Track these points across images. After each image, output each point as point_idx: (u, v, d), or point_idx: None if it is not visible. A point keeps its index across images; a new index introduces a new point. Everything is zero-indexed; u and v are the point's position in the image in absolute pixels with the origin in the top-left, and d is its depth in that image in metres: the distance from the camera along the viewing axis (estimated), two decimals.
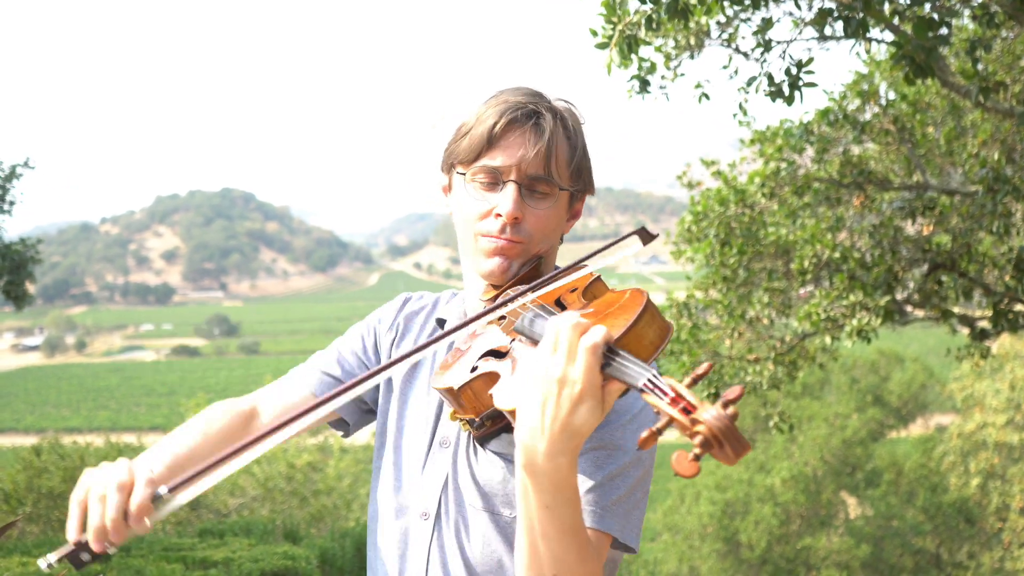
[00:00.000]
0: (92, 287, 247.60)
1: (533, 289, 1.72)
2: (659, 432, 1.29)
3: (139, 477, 1.54)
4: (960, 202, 8.34)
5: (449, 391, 1.72)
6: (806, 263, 8.40)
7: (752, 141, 9.14)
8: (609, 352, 1.38)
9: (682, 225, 9.60)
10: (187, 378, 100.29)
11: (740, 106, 6.92)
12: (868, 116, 8.96)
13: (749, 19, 6.44)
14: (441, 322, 2.09)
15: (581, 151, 1.91)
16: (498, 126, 1.83)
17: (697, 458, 1.24)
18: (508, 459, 1.81)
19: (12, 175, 11.24)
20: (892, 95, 9.02)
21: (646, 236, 1.79)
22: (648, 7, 3.90)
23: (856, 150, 8.95)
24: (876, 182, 8.63)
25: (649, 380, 1.33)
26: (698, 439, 1.25)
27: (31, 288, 11.48)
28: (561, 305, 1.76)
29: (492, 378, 1.67)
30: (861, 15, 3.85)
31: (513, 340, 1.71)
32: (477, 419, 1.74)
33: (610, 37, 4.11)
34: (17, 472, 15.43)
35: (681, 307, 9.54)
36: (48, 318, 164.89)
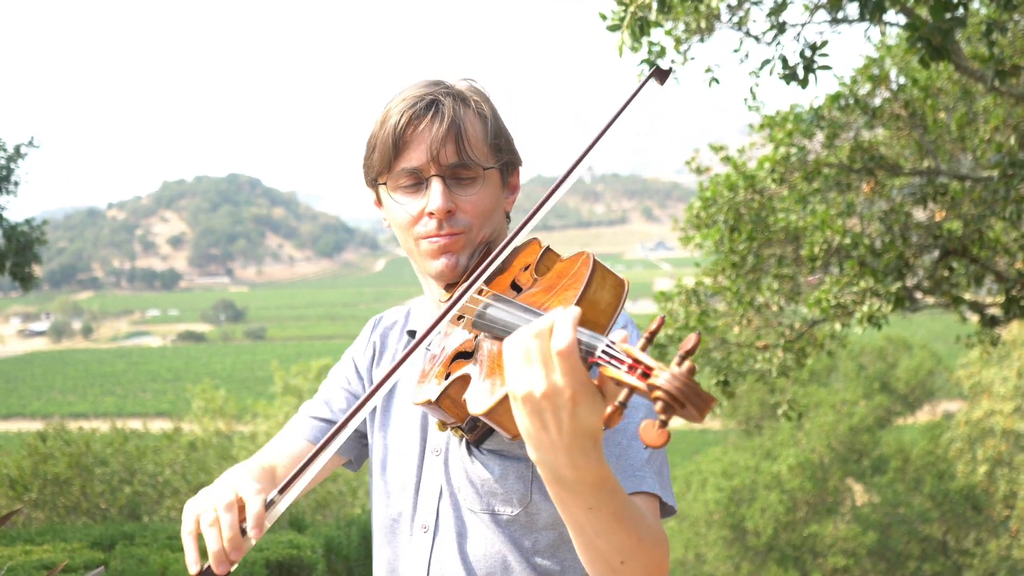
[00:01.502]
0: (98, 272, 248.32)
1: (477, 278, 1.66)
2: (623, 405, 1.21)
3: (245, 491, 1.57)
4: (972, 188, 8.26)
5: (428, 404, 1.66)
6: (816, 249, 8.34)
7: (762, 126, 9.05)
8: (584, 340, 1.31)
9: (691, 211, 9.53)
10: (193, 364, 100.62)
11: (751, 90, 6.85)
12: (879, 101, 8.88)
13: (760, 1, 6.36)
14: (412, 333, 2.05)
15: (494, 125, 1.85)
16: (400, 126, 1.79)
17: (664, 424, 1.17)
18: (504, 455, 1.76)
19: (17, 155, 11.22)
20: (903, 79, 8.94)
21: (661, 74, 1.67)
22: None
23: (867, 135, 8.87)
24: (887, 168, 8.55)
25: (605, 349, 1.27)
26: (659, 404, 1.18)
27: (38, 270, 11.48)
28: (516, 287, 1.72)
29: (465, 381, 1.61)
30: None
31: (476, 336, 1.66)
32: (465, 424, 1.68)
33: (622, 19, 4.04)
34: (23, 458, 15.45)
35: (690, 293, 9.48)
36: (54, 303, 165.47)
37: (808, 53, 4.53)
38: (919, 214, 9.03)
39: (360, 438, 2.10)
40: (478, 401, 1.48)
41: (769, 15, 4.89)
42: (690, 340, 1.19)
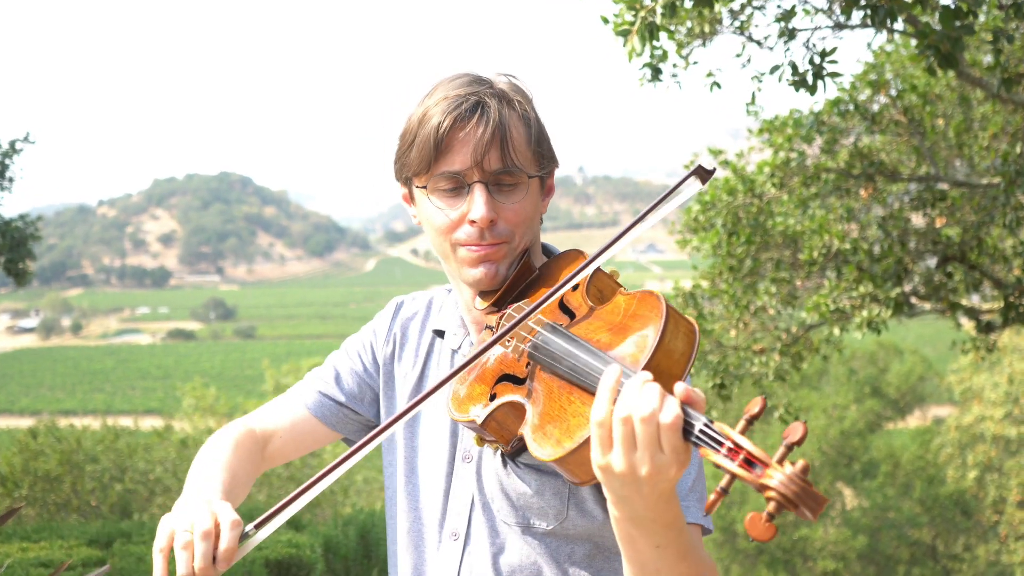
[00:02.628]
0: (88, 269, 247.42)
1: (533, 311, 1.58)
2: (724, 491, 1.20)
3: (223, 520, 1.51)
4: (971, 194, 8.29)
5: (471, 424, 1.63)
6: (815, 254, 8.35)
7: (761, 130, 9.06)
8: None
9: (688, 214, 9.54)
10: (183, 362, 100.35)
11: (752, 95, 6.85)
12: (876, 107, 8.91)
13: (763, 7, 6.37)
14: (440, 333, 1.98)
15: (536, 128, 1.78)
16: (443, 127, 1.70)
17: (772, 518, 1.17)
18: (541, 471, 1.73)
19: (12, 150, 11.18)
20: (901, 86, 8.96)
21: (704, 174, 1.63)
22: None
23: (866, 141, 8.90)
24: (886, 173, 8.58)
25: (701, 431, 1.24)
26: (771, 504, 1.17)
27: (31, 266, 11.44)
28: (566, 310, 1.66)
29: (516, 409, 1.57)
30: (888, 4, 3.77)
31: (528, 364, 1.61)
32: (507, 445, 1.65)
33: (632, 23, 4.03)
34: (13, 455, 15.40)
35: (687, 297, 9.48)
36: (44, 300, 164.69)
37: (817, 60, 4.53)
38: (917, 220, 9.05)
39: (367, 424, 2.02)
40: (544, 449, 1.45)
41: (778, 20, 4.89)
42: (797, 431, 1.18)
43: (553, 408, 1.48)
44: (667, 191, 1.65)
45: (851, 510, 24.93)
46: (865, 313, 7.86)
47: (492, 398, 1.61)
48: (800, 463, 1.17)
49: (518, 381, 1.61)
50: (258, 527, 1.56)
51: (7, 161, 11.16)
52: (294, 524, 7.31)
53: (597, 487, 1.72)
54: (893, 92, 8.86)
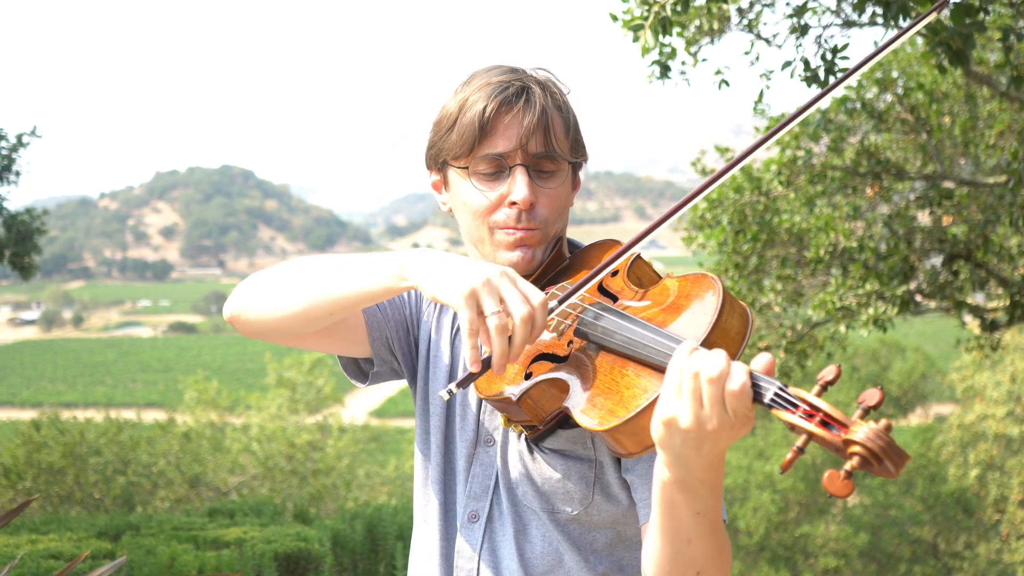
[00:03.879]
0: (90, 262, 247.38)
1: (588, 281, 1.61)
2: (801, 451, 1.22)
3: (535, 300, 1.51)
4: (978, 192, 8.29)
5: (505, 401, 1.64)
6: (821, 251, 8.36)
7: (767, 128, 9.06)
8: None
9: (694, 211, 9.54)
10: (184, 354, 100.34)
11: (760, 93, 6.85)
12: (882, 105, 8.91)
13: (773, 4, 6.37)
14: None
15: (573, 119, 1.83)
16: (488, 111, 1.73)
17: (850, 475, 1.18)
18: (567, 455, 1.74)
19: (19, 144, 11.19)
20: (908, 84, 8.96)
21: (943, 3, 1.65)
22: None
23: (875, 138, 8.90)
24: (892, 171, 8.58)
25: (776, 394, 1.26)
26: (855, 459, 1.18)
27: (37, 260, 11.45)
28: (607, 293, 1.68)
29: (556, 385, 1.58)
30: (900, 1, 3.77)
31: (570, 343, 1.63)
32: (539, 425, 1.66)
33: (645, 18, 4.03)
34: (17, 447, 15.42)
35: None
36: (45, 292, 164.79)
37: (829, 56, 4.54)
38: (923, 218, 9.06)
39: (391, 359, 1.98)
40: (592, 417, 1.46)
41: (790, 16, 4.90)
42: (874, 396, 1.20)
43: (604, 381, 1.50)
44: (911, 25, 1.68)
45: (852, 507, 24.92)
46: (871, 311, 7.87)
47: (528, 376, 1.62)
48: (883, 421, 1.19)
49: (558, 359, 1.63)
50: (561, 302, 1.58)
51: (13, 155, 11.16)
52: (301, 517, 7.33)
53: (620, 475, 1.74)
54: (899, 90, 8.86)
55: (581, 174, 1.93)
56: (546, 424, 1.67)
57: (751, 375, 1.29)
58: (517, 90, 1.75)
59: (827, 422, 1.22)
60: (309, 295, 1.76)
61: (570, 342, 1.64)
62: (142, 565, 4.65)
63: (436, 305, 2.01)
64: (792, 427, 1.24)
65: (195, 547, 5.30)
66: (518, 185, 1.74)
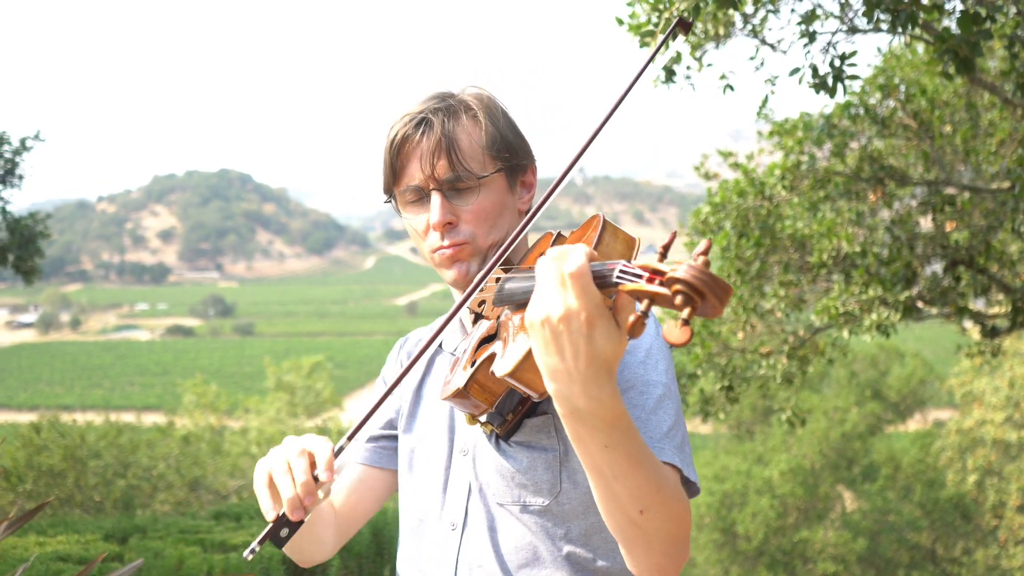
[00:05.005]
0: (88, 265, 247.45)
1: (492, 267, 1.69)
2: (645, 315, 1.23)
3: (313, 442, 1.66)
4: (980, 198, 8.32)
5: (457, 394, 1.69)
6: (824, 256, 8.38)
7: (771, 133, 9.10)
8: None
9: (697, 216, 9.56)
10: (181, 358, 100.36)
11: (765, 98, 6.88)
12: (885, 111, 8.93)
13: (777, 11, 6.39)
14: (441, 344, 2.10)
15: (492, 132, 1.89)
16: (395, 145, 1.87)
17: (686, 322, 1.18)
18: (532, 447, 1.80)
19: (23, 148, 11.22)
20: (910, 90, 8.99)
21: (685, 26, 1.73)
22: None
23: (878, 144, 8.93)
24: (895, 177, 8.60)
25: (621, 271, 1.29)
26: (679, 298, 1.18)
27: (39, 263, 11.48)
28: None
29: (492, 361, 1.64)
30: (912, 8, 3.80)
31: (498, 317, 1.72)
32: (495, 411, 1.72)
33: (656, 24, 4.06)
34: (17, 449, 15.41)
35: None
36: (43, 295, 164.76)
37: (837, 63, 4.57)
38: (925, 224, 9.08)
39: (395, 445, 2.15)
40: (503, 365, 1.52)
41: (800, 23, 4.92)
42: (702, 244, 1.21)
43: (515, 333, 1.58)
44: (653, 52, 1.72)
45: (851, 513, 24.93)
46: (874, 316, 7.89)
47: (473, 363, 1.69)
48: (702, 259, 1.19)
49: (492, 338, 1.72)
50: (349, 438, 1.68)
51: (17, 159, 11.19)
52: None
53: None
54: (902, 96, 8.89)
55: (534, 174, 2.01)
56: (501, 408, 1.73)
57: (588, 256, 1.32)
58: (417, 121, 1.87)
59: (662, 281, 1.22)
60: None
61: (497, 318, 1.73)
62: (150, 568, 4.66)
63: (403, 362, 2.17)
64: (637, 296, 1.26)
65: (203, 550, 5.31)
66: (432, 209, 1.85)
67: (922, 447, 25.39)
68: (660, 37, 1.77)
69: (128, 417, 22.19)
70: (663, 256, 1.27)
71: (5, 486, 14.45)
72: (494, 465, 1.83)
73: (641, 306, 1.25)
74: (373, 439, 2.11)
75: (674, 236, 1.27)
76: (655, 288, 1.22)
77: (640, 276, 1.25)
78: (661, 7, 4.06)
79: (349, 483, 2.09)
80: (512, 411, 1.75)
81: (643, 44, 4.79)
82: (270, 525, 1.60)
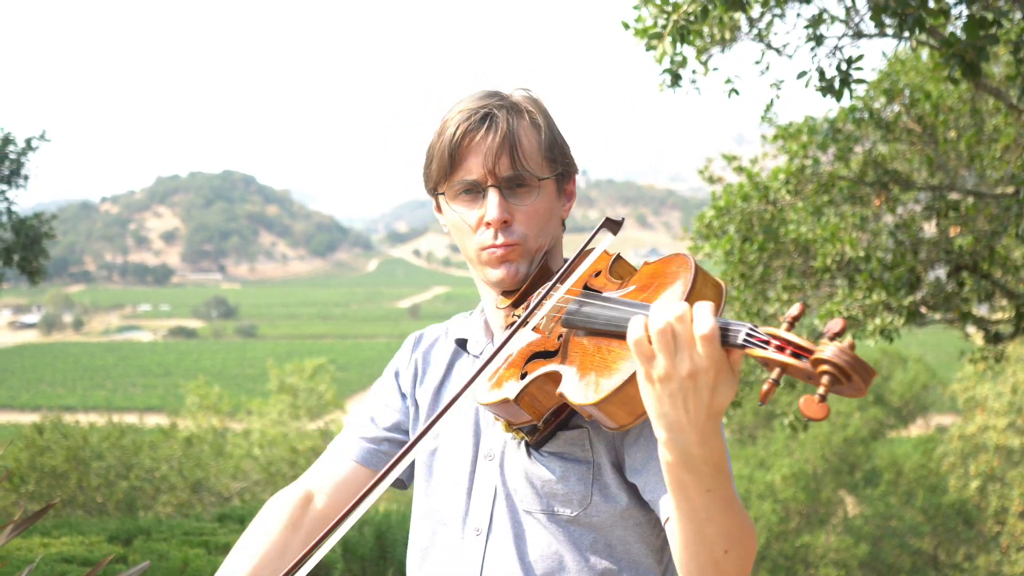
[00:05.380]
0: (91, 266, 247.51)
1: (559, 282, 1.72)
2: (776, 382, 1.27)
3: None
4: (984, 204, 8.32)
5: (504, 403, 1.70)
6: (828, 260, 8.38)
7: (776, 137, 9.10)
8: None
9: (701, 221, 9.55)
10: (184, 359, 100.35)
11: (771, 102, 6.89)
12: (889, 115, 8.94)
13: (783, 15, 6.39)
14: (462, 342, 2.06)
15: (548, 136, 1.90)
16: (456, 139, 1.84)
17: (823, 398, 1.22)
18: (565, 457, 1.79)
19: (28, 148, 11.25)
20: (915, 94, 8.99)
21: (613, 225, 1.77)
22: None
23: (882, 148, 8.93)
24: (900, 182, 8.60)
25: (748, 334, 1.32)
26: (825, 378, 1.23)
27: (45, 264, 11.52)
28: (591, 290, 1.76)
29: (551, 378, 1.65)
30: (919, 12, 3.80)
31: (560, 336, 1.71)
32: (541, 422, 1.72)
33: (664, 27, 4.06)
34: (20, 450, 15.42)
35: None
36: (46, 296, 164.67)
37: (844, 67, 4.58)
38: (929, 229, 9.08)
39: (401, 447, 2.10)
40: (585, 393, 1.54)
41: (807, 27, 4.92)
42: (836, 324, 1.26)
43: (592, 360, 1.59)
44: (578, 251, 1.80)
45: (853, 518, 24.91)
46: (878, 321, 7.89)
47: (523, 376, 1.69)
48: (848, 340, 1.24)
49: (550, 354, 1.71)
50: (411, 446, 1.69)
51: (22, 159, 11.22)
52: None
53: (621, 473, 1.79)
54: (906, 100, 8.89)
55: (575, 184, 2.02)
56: (547, 423, 1.74)
57: (721, 320, 1.35)
58: (482, 116, 1.85)
59: (798, 353, 1.27)
60: None
61: (560, 336, 1.72)
62: (155, 570, 4.66)
63: (416, 373, 2.12)
64: (766, 362, 1.30)
65: (207, 552, 5.31)
66: (490, 206, 1.84)
67: (924, 452, 25.38)
68: (590, 233, 1.81)
69: (131, 418, 22.18)
70: (791, 326, 1.30)
71: (8, 487, 14.45)
72: (524, 472, 1.82)
73: (772, 374, 1.28)
74: (374, 440, 2.07)
75: (803, 309, 1.29)
76: (787, 359, 1.27)
77: (767, 343, 1.30)
78: (667, 10, 4.07)
79: (339, 479, 2.04)
80: (547, 423, 1.76)
81: (649, 47, 4.79)
82: None
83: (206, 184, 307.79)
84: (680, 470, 1.43)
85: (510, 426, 1.77)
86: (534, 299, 1.78)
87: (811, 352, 1.26)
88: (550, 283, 1.72)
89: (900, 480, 25.12)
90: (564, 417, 1.77)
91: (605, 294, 1.71)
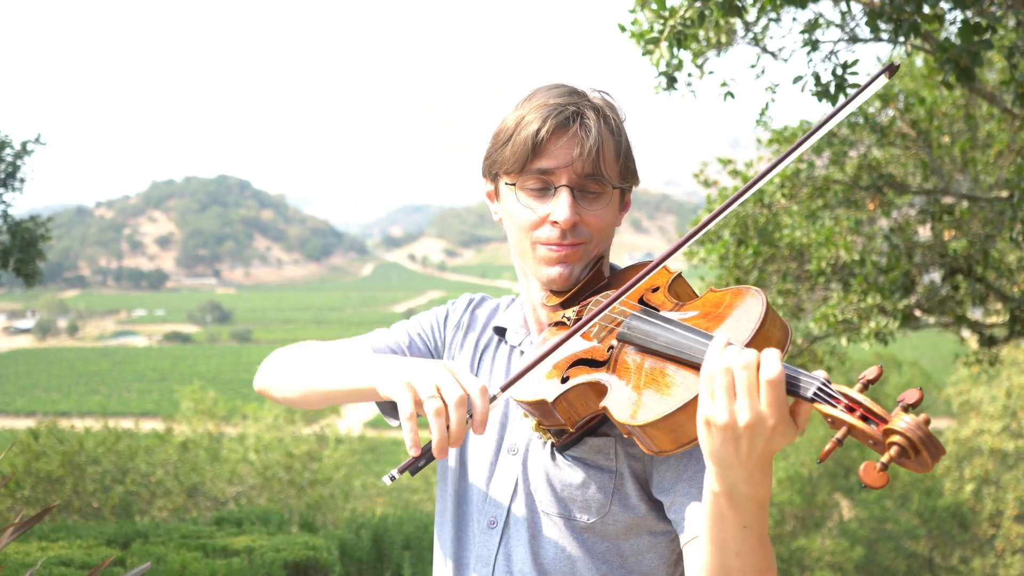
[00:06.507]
0: (85, 271, 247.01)
1: (624, 292, 1.67)
2: (839, 442, 1.26)
3: (470, 387, 1.58)
4: (978, 208, 8.35)
5: (540, 404, 1.68)
6: (823, 264, 8.40)
7: (770, 141, 9.14)
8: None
9: (696, 225, 9.57)
10: (179, 364, 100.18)
11: (766, 105, 6.91)
12: (884, 119, 8.97)
13: (779, 19, 6.42)
14: (500, 331, 2.04)
15: (626, 145, 1.87)
16: (543, 131, 1.78)
17: (885, 467, 1.22)
18: (590, 465, 1.79)
19: (24, 151, 11.23)
20: (909, 99, 9.03)
21: (892, 70, 1.69)
22: (699, 2, 3.87)
23: (877, 152, 8.97)
24: (894, 186, 8.64)
25: (819, 388, 1.31)
26: (893, 449, 1.22)
27: (41, 267, 11.49)
28: (648, 306, 1.73)
29: (596, 388, 1.63)
30: (914, 18, 3.83)
31: (611, 348, 1.67)
32: (572, 428, 1.70)
33: (661, 32, 4.08)
34: (15, 455, 15.38)
35: None
36: (40, 301, 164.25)
37: (839, 71, 4.60)
38: (923, 233, 9.11)
39: None
40: (632, 412, 1.51)
41: (803, 32, 4.95)
42: (913, 395, 1.25)
43: (645, 380, 1.55)
44: (859, 89, 1.68)
45: (848, 521, 24.92)
46: (872, 324, 7.92)
47: (564, 380, 1.66)
48: (922, 415, 1.23)
49: (597, 364, 1.67)
50: (503, 389, 1.64)
51: (18, 162, 11.19)
52: (308, 527, 7.35)
53: (642, 485, 1.77)
54: (901, 105, 8.93)
55: (631, 196, 1.99)
56: (578, 428, 1.71)
57: (787, 366, 1.34)
58: (572, 114, 1.81)
59: (867, 417, 1.27)
60: (312, 391, 1.96)
61: (611, 347, 1.68)
62: (153, 573, 4.67)
63: (460, 329, 2.10)
64: (832, 421, 1.28)
65: (204, 555, 5.32)
66: (561, 205, 1.80)
67: None
68: (870, 82, 1.73)
69: (126, 423, 22.10)
70: (865, 388, 1.29)
71: (3, 492, 14.41)
72: (546, 474, 1.82)
73: (839, 433, 1.27)
74: (397, 350, 2.05)
75: (880, 372, 1.28)
76: (856, 421, 1.26)
77: (838, 401, 1.28)
78: (664, 15, 4.09)
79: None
80: (583, 425, 1.73)
81: (645, 52, 4.81)
82: (413, 458, 1.57)
83: (201, 189, 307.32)
84: (723, 503, 1.43)
85: (540, 425, 1.77)
86: (592, 304, 1.77)
87: (884, 420, 1.25)
88: (618, 291, 1.68)
89: (895, 483, 25.13)
90: (594, 424, 1.75)
91: (664, 313, 1.67)
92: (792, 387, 1.33)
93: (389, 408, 2.07)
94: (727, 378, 1.35)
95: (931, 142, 8.87)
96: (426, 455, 1.57)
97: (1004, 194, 7.82)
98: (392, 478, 1.57)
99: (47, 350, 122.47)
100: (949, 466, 23.91)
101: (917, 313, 8.95)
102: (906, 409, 1.25)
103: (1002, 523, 21.94)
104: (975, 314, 9.96)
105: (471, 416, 1.57)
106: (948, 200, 8.80)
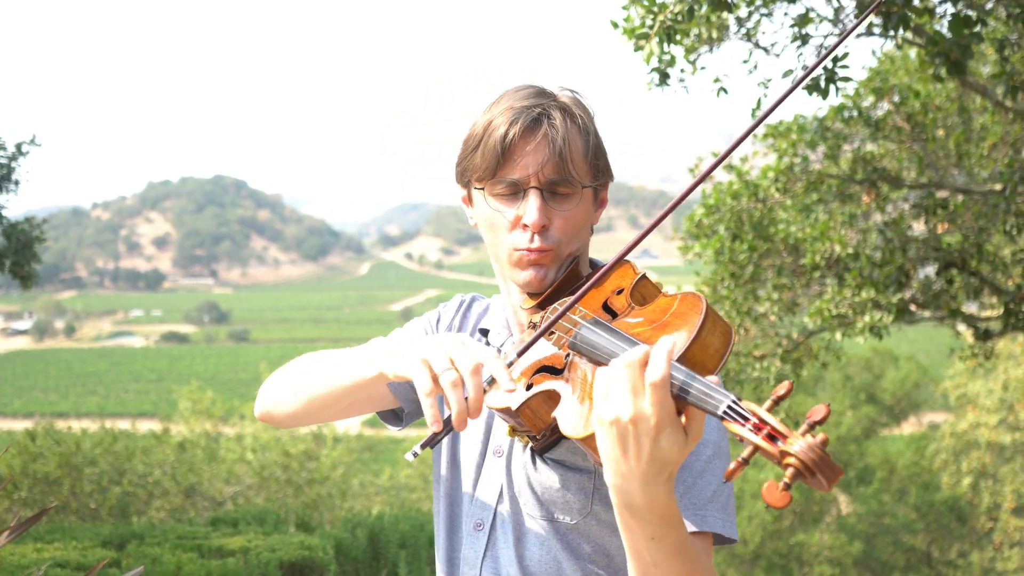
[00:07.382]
0: (82, 272, 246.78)
1: (579, 299, 1.66)
2: (746, 462, 1.25)
3: (482, 355, 1.56)
4: (972, 201, 8.36)
5: (506, 411, 1.67)
6: (818, 259, 8.41)
7: (765, 135, 9.14)
8: (682, 379, 1.35)
9: (691, 220, 9.58)
10: (176, 364, 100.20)
11: (758, 101, 6.90)
12: (879, 113, 8.98)
13: (771, 14, 6.42)
14: (484, 332, 2.05)
15: (595, 142, 1.86)
16: (509, 136, 1.77)
17: (788, 488, 1.21)
18: (568, 466, 1.80)
19: (19, 153, 11.21)
20: (903, 93, 9.03)
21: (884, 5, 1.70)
22: None
23: (871, 146, 8.97)
24: (888, 180, 8.65)
25: (729, 407, 1.30)
26: (789, 471, 1.21)
27: (36, 268, 11.47)
28: (610, 310, 1.73)
29: (551, 397, 1.63)
30: (904, 11, 3.83)
31: (568, 355, 1.68)
32: (538, 435, 1.70)
33: (650, 27, 4.08)
34: (12, 456, 15.35)
35: None
36: (37, 302, 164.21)
37: (830, 65, 4.61)
38: (917, 227, 9.13)
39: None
40: (573, 426, 1.51)
41: (793, 26, 4.95)
42: (820, 411, 1.23)
43: (589, 391, 1.55)
44: (857, 21, 1.67)
45: (847, 516, 24.96)
46: (867, 318, 7.92)
47: (529, 387, 1.67)
48: (820, 435, 1.22)
49: (556, 371, 1.68)
50: (520, 354, 1.65)
51: (13, 164, 11.18)
52: (304, 526, 7.34)
53: None
54: (896, 98, 8.94)
55: (607, 191, 1.97)
56: (545, 435, 1.70)
57: (672, 365, 1.34)
58: (537, 116, 1.80)
59: (773, 435, 1.25)
60: (314, 397, 1.94)
61: (568, 355, 1.68)
62: (149, 574, 4.67)
63: (452, 330, 2.10)
64: (741, 439, 1.28)
65: (200, 556, 5.31)
66: (530, 208, 1.79)
67: (917, 450, 25.44)
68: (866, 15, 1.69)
69: (123, 424, 22.08)
70: (775, 404, 1.27)
71: (1, 494, 14.38)
72: (527, 477, 1.84)
73: (744, 452, 1.26)
74: None
75: (790, 389, 1.26)
76: (762, 443, 1.25)
77: (747, 420, 1.27)
78: (654, 10, 4.09)
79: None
80: (552, 432, 1.72)
81: (637, 48, 4.81)
82: (433, 433, 1.57)
83: (197, 189, 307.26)
84: (626, 515, 1.44)
85: (513, 431, 1.76)
86: (548, 312, 1.78)
87: (785, 438, 1.24)
88: (571, 298, 1.68)
89: (893, 478, 25.18)
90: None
91: (611, 323, 1.66)
92: (682, 392, 1.34)
93: (390, 415, 2.10)
94: (618, 375, 1.36)
95: (925, 136, 8.88)
96: (447, 428, 1.57)
97: (997, 187, 7.82)
98: (414, 454, 1.59)
99: (44, 351, 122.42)
100: (947, 460, 23.94)
101: (912, 307, 8.95)
102: (811, 427, 1.23)
103: (1000, 516, 21.97)
104: (970, 308, 9.97)
105: (489, 383, 1.58)
106: (943, 194, 8.81)
